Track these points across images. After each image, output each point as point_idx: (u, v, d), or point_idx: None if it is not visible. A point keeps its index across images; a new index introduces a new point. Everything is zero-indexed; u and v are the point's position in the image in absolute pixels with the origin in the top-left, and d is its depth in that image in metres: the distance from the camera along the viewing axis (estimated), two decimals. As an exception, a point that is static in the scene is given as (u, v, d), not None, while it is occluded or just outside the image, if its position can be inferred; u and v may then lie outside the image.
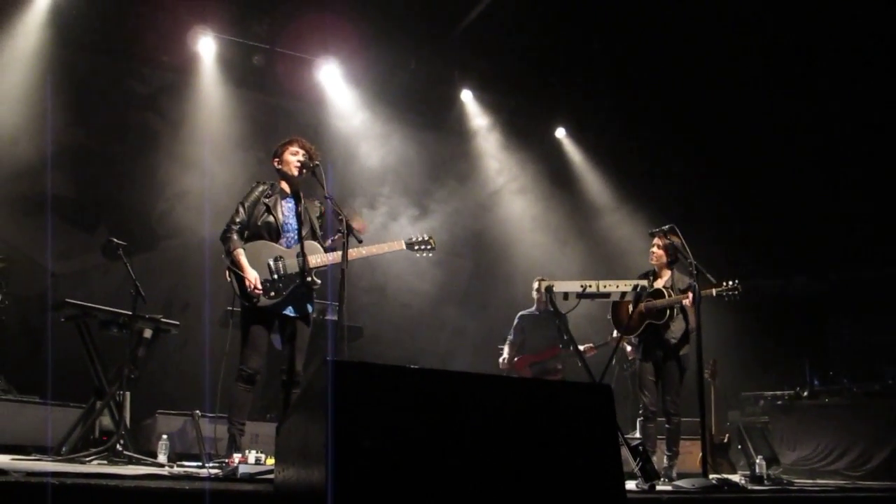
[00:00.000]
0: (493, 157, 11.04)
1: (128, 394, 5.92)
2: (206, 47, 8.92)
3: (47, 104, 8.14)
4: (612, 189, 11.14)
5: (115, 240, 6.09)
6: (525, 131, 10.99)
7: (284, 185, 5.52)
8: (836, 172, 9.59)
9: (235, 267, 5.14)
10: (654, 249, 6.66)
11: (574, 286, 5.95)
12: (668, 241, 6.52)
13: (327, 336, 8.10)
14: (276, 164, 5.56)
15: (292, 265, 5.24)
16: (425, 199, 10.33)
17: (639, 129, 10.48)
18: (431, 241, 5.67)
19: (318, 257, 5.27)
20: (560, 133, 11.28)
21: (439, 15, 9.29)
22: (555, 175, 11.16)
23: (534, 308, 8.31)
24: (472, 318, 10.62)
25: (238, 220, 5.26)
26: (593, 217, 11.28)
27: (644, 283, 6.05)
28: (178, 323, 6.63)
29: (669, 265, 6.64)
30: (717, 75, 9.33)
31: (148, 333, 6.20)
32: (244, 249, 5.19)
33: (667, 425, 6.47)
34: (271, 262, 5.21)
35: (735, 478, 6.81)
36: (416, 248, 5.64)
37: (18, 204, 8.12)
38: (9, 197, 8.04)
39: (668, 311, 6.42)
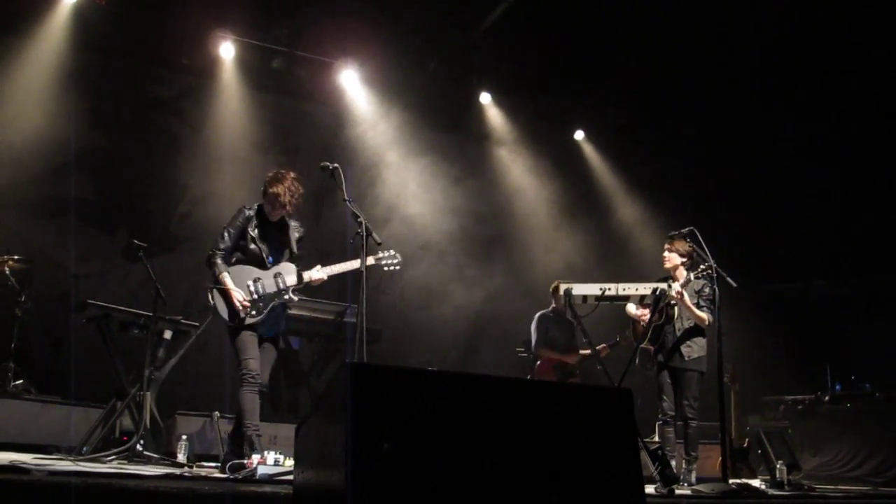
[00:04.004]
0: (511, 160, 11.02)
1: (148, 394, 5.97)
2: (227, 51, 8.96)
3: (70, 108, 8.22)
4: (631, 192, 11.09)
5: (137, 242, 6.16)
6: (544, 134, 10.96)
7: (268, 215, 5.63)
8: (857, 174, 9.50)
9: (221, 288, 5.36)
10: (665, 254, 6.60)
11: (593, 289, 5.95)
12: (678, 245, 6.48)
13: (346, 338, 8.13)
14: (262, 195, 5.61)
15: (270, 285, 5.45)
16: (444, 202, 10.33)
17: (658, 132, 10.43)
18: (397, 255, 5.81)
19: (293, 277, 5.51)
20: (579, 135, 11.25)
21: (458, 18, 9.29)
22: (574, 178, 11.13)
23: (549, 309, 8.22)
24: (491, 320, 10.60)
25: (222, 246, 5.46)
26: (613, 220, 11.24)
27: (664, 286, 6.02)
28: (197, 324, 6.68)
29: (686, 268, 6.58)
30: (738, 78, 9.27)
31: (168, 335, 6.26)
32: (228, 273, 5.40)
33: (685, 429, 6.40)
34: (250, 283, 5.40)
35: (755, 483, 6.77)
36: (384, 262, 5.78)
37: (41, 206, 8.20)
38: (32, 199, 8.12)
39: (665, 312, 6.37)
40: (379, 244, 5.44)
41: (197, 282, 8.87)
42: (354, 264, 5.57)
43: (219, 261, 5.40)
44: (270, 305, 5.43)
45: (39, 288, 7.62)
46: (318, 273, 5.56)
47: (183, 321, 6.50)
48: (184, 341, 6.81)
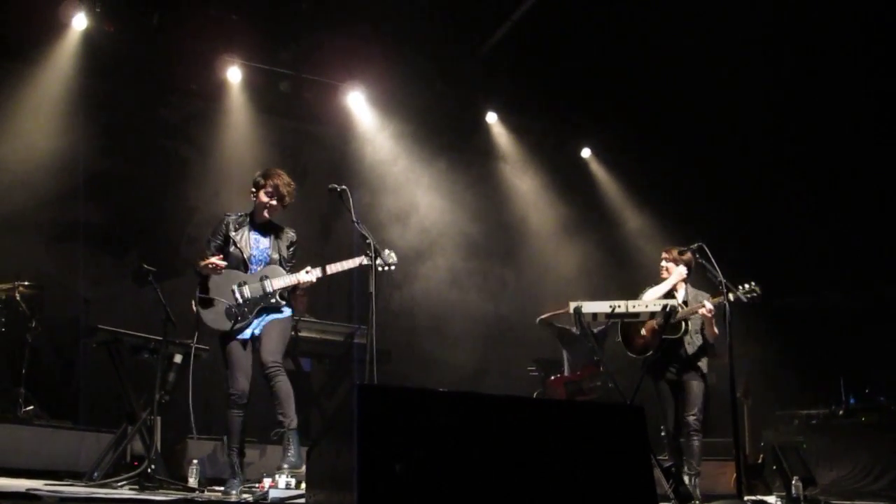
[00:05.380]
0: (519, 179, 11.02)
1: (158, 419, 5.97)
2: (234, 75, 9.02)
3: (79, 133, 8.28)
4: (639, 208, 11.07)
5: (146, 265, 6.16)
6: (551, 152, 10.97)
7: (257, 216, 5.61)
8: (867, 184, 9.46)
9: (201, 272, 5.34)
10: (663, 263, 6.55)
11: (603, 307, 5.91)
12: (676, 257, 6.44)
13: (356, 360, 8.11)
14: (251, 195, 5.62)
15: (255, 289, 5.41)
16: (452, 221, 10.33)
17: (665, 147, 10.42)
18: (392, 255, 5.64)
19: (280, 280, 5.45)
20: (586, 153, 11.25)
21: (464, 38, 9.34)
22: (582, 195, 11.12)
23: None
24: (501, 339, 10.57)
25: (207, 254, 5.45)
26: (622, 237, 11.21)
27: (674, 302, 5.98)
28: (207, 348, 6.67)
29: (684, 281, 6.52)
30: (745, 89, 9.25)
31: (178, 358, 6.25)
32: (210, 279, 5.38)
33: (689, 443, 6.23)
34: (235, 288, 5.37)
35: (771, 499, 6.71)
36: (379, 262, 5.59)
37: (51, 231, 8.24)
38: (42, 224, 8.16)
39: (683, 325, 6.28)
40: (388, 265, 5.45)
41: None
42: (347, 265, 5.52)
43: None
44: (256, 310, 5.38)
45: (50, 313, 7.63)
46: (306, 276, 5.45)
47: (193, 345, 6.49)
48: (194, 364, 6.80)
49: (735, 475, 5.79)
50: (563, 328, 8.36)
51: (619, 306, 5.90)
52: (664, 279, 6.53)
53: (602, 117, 10.62)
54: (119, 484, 5.36)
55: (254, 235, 5.54)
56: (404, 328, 10.05)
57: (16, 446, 6.07)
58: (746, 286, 6.03)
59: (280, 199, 5.50)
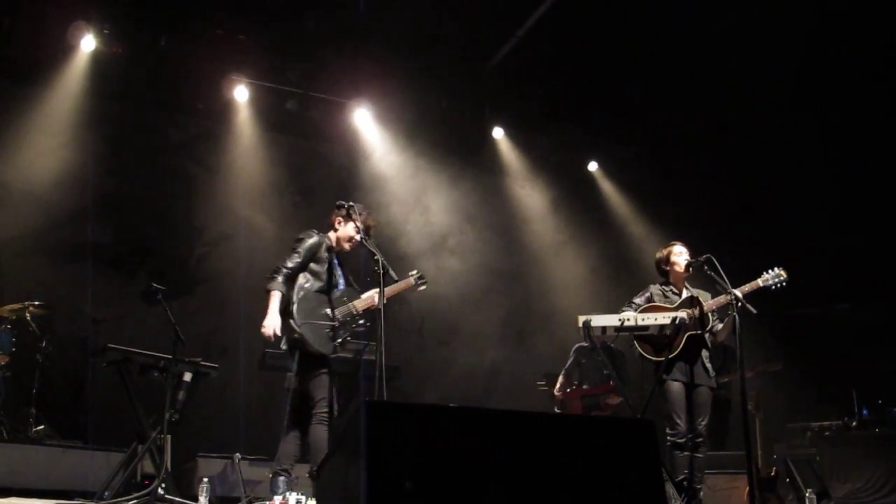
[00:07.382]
0: (526, 193, 11.03)
1: (168, 437, 5.97)
2: (241, 94, 9.05)
3: (88, 154, 8.33)
4: (646, 221, 11.05)
5: (155, 285, 6.19)
6: (557, 166, 10.98)
7: (333, 240, 5.70)
8: (878, 194, 9.43)
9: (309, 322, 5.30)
10: (685, 259, 6.28)
11: (612, 320, 5.89)
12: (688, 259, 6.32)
13: (365, 376, 8.10)
14: (336, 222, 5.69)
15: (344, 311, 5.51)
16: (459, 237, 10.34)
17: (672, 160, 10.41)
18: (423, 277, 5.92)
19: (360, 301, 5.60)
20: (593, 167, 11.25)
21: (470, 54, 9.37)
22: (589, 209, 11.12)
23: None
24: (510, 354, 10.54)
25: (290, 265, 5.41)
26: (628, 249, 11.18)
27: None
28: (217, 366, 6.68)
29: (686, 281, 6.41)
30: (753, 100, 9.24)
31: (188, 377, 6.26)
32: (299, 303, 5.34)
33: (695, 453, 5.94)
34: (329, 311, 5.44)
35: (785, 513, 6.65)
36: (417, 282, 5.87)
37: (60, 251, 8.27)
38: (51, 245, 8.19)
39: (709, 318, 6.02)
40: (396, 281, 5.47)
41: (216, 323, 8.90)
42: (400, 286, 5.65)
43: (279, 278, 5.31)
44: (350, 329, 5.50)
45: (60, 333, 7.67)
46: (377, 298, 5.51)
47: (202, 363, 6.51)
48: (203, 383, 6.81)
49: (748, 489, 5.75)
50: (573, 359, 8.33)
51: (628, 319, 5.88)
52: (677, 272, 6.34)
53: (609, 131, 10.62)
54: (130, 503, 5.36)
55: (335, 259, 5.65)
56: (413, 344, 10.04)
57: (27, 466, 6.08)
58: (772, 272, 5.92)
59: (366, 240, 5.58)
